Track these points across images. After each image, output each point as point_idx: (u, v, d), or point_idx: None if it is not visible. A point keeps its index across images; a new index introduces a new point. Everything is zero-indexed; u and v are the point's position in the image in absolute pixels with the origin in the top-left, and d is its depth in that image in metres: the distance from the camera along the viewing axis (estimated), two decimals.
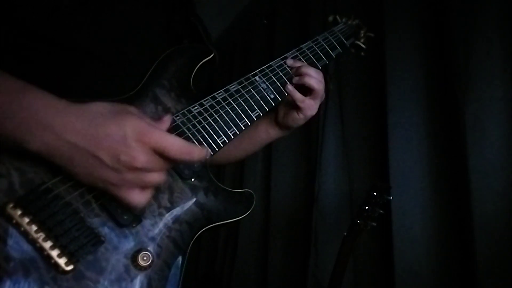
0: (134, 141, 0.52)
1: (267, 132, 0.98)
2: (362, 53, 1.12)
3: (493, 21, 1.52)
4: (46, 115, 0.51)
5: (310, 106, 0.90)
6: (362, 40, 1.10)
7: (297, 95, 0.87)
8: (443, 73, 1.64)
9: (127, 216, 0.58)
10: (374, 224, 1.42)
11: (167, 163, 0.55)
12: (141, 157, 0.52)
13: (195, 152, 0.56)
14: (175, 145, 0.54)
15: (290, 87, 0.87)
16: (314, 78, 0.88)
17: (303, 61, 0.90)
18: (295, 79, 0.87)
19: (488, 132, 1.48)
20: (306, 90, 0.88)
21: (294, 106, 0.89)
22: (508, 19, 1.48)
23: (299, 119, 0.92)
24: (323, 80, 0.90)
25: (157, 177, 0.55)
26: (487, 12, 1.54)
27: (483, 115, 1.50)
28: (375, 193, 1.43)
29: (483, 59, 1.52)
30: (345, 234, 1.45)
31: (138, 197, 0.55)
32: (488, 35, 1.52)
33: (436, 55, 1.68)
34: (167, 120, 0.62)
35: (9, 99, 0.52)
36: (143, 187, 0.55)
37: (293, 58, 0.90)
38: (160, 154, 0.53)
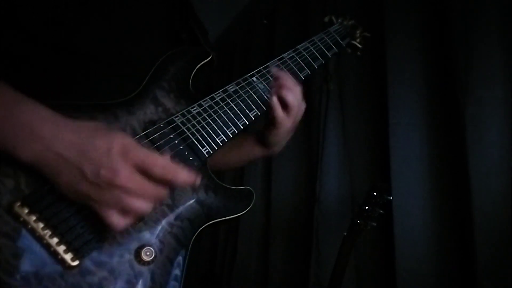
0: (118, 155, 0.51)
1: (252, 151, 0.94)
2: (359, 53, 1.13)
3: (493, 21, 1.53)
4: (37, 126, 0.52)
5: (285, 124, 0.84)
6: (358, 40, 1.12)
7: (279, 111, 0.82)
8: (443, 73, 1.64)
9: None
10: (374, 224, 1.43)
11: (150, 186, 0.53)
12: (122, 173, 0.51)
13: (179, 173, 0.54)
14: (159, 161, 0.54)
15: (275, 100, 0.81)
16: (292, 93, 0.82)
17: (294, 65, 0.88)
18: (274, 90, 0.82)
19: (488, 132, 1.49)
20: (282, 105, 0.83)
21: (270, 120, 0.85)
22: (508, 19, 1.49)
23: (271, 134, 0.86)
24: (300, 98, 0.84)
25: (140, 204, 0.53)
26: (487, 12, 1.54)
27: (483, 116, 1.51)
28: (375, 193, 1.44)
29: (483, 59, 1.52)
30: (345, 234, 1.46)
31: (115, 220, 0.53)
32: (488, 35, 1.53)
33: (436, 56, 1.69)
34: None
35: (2, 109, 0.52)
36: (123, 210, 0.53)
37: (290, 58, 0.90)
38: (144, 171, 0.52)
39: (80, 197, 0.53)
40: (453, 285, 1.53)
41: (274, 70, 0.84)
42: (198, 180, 0.57)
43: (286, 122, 0.84)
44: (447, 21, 1.63)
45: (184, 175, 0.55)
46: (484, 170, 1.46)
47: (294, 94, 0.82)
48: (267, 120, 0.85)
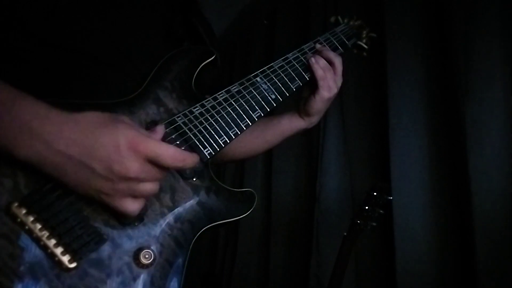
0: (127, 151, 0.51)
1: (290, 123, 0.98)
2: (365, 54, 1.12)
3: (493, 22, 1.53)
4: (37, 124, 0.51)
5: (327, 86, 0.90)
6: (364, 41, 1.11)
7: (320, 71, 0.89)
8: (443, 73, 1.64)
9: None
10: (374, 224, 1.43)
11: (160, 172, 0.55)
12: (134, 167, 0.52)
13: (188, 158, 0.56)
14: (169, 152, 0.54)
15: (313, 60, 0.89)
16: (333, 53, 0.92)
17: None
18: (314, 56, 0.90)
19: (488, 132, 1.49)
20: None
21: (312, 88, 0.91)
22: (508, 19, 1.49)
23: (315, 101, 0.92)
24: (338, 66, 0.92)
25: (150, 187, 0.55)
26: (487, 12, 1.54)
27: (483, 116, 1.51)
28: (375, 193, 1.43)
29: (483, 59, 1.53)
30: (345, 234, 1.46)
31: (131, 206, 0.55)
32: (488, 35, 1.53)
33: (436, 56, 1.69)
34: (160, 130, 0.61)
35: (0, 106, 0.51)
36: (136, 196, 0.55)
37: (295, 59, 0.91)
38: (154, 162, 0.54)
39: (92, 193, 0.53)
40: (453, 285, 1.53)
41: (318, 46, 0.94)
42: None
43: (330, 86, 0.91)
44: (447, 21, 1.63)
45: (191, 161, 0.57)
46: (484, 170, 1.46)
47: (335, 54, 0.93)
48: (308, 88, 0.92)
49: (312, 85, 0.92)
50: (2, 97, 0.52)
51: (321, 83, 0.90)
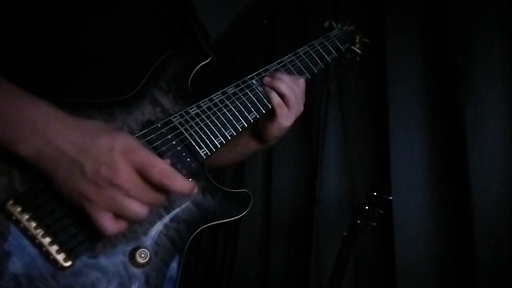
0: (119, 155, 0.51)
1: (248, 145, 0.94)
2: (358, 58, 1.14)
3: (493, 22, 1.52)
4: (41, 121, 0.52)
5: (285, 114, 0.82)
6: (357, 46, 1.13)
7: (276, 98, 0.82)
8: (443, 73, 1.64)
9: None
10: (374, 224, 1.43)
11: (150, 191, 0.53)
12: (122, 173, 0.50)
13: (177, 179, 0.53)
14: (158, 166, 0.52)
15: (267, 89, 0.82)
16: (285, 84, 0.82)
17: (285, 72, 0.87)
18: (266, 80, 0.83)
19: (488, 132, 1.49)
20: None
21: (269, 114, 0.84)
22: (508, 19, 1.48)
23: (272, 128, 0.84)
24: (297, 91, 0.83)
25: (135, 208, 0.52)
26: (487, 12, 1.54)
27: (483, 116, 1.51)
28: (375, 193, 1.43)
29: (483, 59, 1.53)
30: (345, 234, 1.46)
31: (108, 223, 0.51)
32: (488, 35, 1.53)
33: (436, 56, 1.69)
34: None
35: (5, 103, 0.52)
36: (118, 213, 0.52)
37: (290, 62, 0.90)
38: (143, 174, 0.52)
39: (74, 196, 0.51)
40: (453, 284, 1.53)
41: (267, 80, 0.84)
42: (195, 190, 0.56)
43: (288, 115, 0.83)
44: (447, 21, 1.63)
45: (181, 183, 0.54)
46: (484, 170, 1.46)
47: (288, 85, 0.82)
48: (266, 116, 0.85)
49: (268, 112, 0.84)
50: (7, 95, 0.53)
51: (279, 111, 0.82)
